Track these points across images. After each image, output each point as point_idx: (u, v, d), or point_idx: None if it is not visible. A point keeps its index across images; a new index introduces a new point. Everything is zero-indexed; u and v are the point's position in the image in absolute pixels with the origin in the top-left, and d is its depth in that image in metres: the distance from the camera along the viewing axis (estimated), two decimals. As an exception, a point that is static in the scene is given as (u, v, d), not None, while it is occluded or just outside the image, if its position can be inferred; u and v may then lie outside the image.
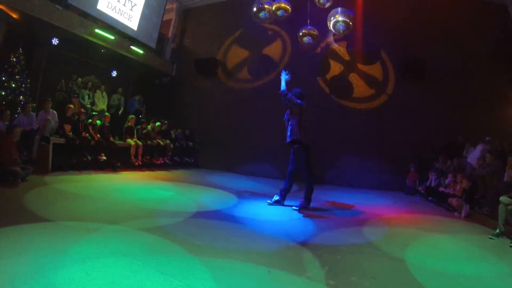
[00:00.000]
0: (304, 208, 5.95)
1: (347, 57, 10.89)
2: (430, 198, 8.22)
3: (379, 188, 9.69)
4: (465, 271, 3.46)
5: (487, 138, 8.07)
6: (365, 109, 10.49)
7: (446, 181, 7.74)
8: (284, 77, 6.33)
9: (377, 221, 5.63)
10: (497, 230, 4.95)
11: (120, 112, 11.47)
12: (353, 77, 10.74)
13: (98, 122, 9.03)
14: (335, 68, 10.97)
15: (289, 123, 6.15)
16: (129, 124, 9.81)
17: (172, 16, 13.53)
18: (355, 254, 3.75)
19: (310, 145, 6.22)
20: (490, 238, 4.87)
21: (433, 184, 8.35)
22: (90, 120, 8.90)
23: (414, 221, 5.84)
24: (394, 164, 9.71)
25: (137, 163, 9.39)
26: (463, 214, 6.47)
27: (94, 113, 9.73)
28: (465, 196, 6.71)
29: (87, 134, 8.37)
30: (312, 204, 6.27)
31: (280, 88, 6.28)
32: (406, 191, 9.31)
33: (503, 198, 5.11)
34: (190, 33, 13.78)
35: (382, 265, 3.45)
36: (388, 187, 9.67)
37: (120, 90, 11.86)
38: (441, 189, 7.77)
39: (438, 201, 7.74)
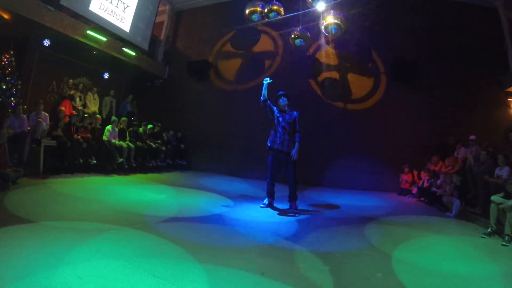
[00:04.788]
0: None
1: (339, 59, 10.94)
2: (422, 198, 8.29)
3: (371, 189, 9.72)
4: (458, 270, 3.49)
5: (471, 137, 8.16)
6: (357, 110, 10.53)
7: (438, 182, 7.80)
8: (265, 85, 6.26)
9: (369, 221, 5.65)
10: (489, 229, 5.01)
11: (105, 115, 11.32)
12: (345, 79, 10.79)
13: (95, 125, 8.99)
14: (327, 69, 11.01)
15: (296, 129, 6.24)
16: (121, 126, 9.74)
17: (164, 18, 13.47)
18: (347, 255, 3.76)
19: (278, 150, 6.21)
20: (482, 237, 4.93)
21: (425, 184, 8.41)
22: (81, 123, 8.83)
23: (406, 222, 5.87)
24: (387, 165, 9.76)
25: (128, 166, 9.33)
26: (454, 211, 6.53)
27: (85, 115, 9.64)
28: (456, 192, 6.77)
29: (79, 137, 8.29)
30: (304, 206, 6.36)
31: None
32: (399, 192, 9.36)
33: (494, 198, 5.18)
34: (182, 35, 13.75)
35: (374, 266, 3.47)
36: (380, 188, 9.71)
37: (112, 92, 11.78)
38: (433, 189, 7.83)
39: (431, 201, 7.80)
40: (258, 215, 5.61)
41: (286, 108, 6.29)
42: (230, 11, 12.19)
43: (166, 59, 13.45)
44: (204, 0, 13.20)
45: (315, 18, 8.40)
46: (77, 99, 10.31)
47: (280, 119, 6.18)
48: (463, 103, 9.62)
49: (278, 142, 6.14)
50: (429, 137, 9.63)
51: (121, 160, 9.00)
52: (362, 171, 10.05)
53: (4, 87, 7.98)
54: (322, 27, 8.22)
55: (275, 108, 6.28)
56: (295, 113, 6.28)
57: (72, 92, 10.28)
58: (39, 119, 7.88)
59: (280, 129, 6.16)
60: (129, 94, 12.50)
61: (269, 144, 6.24)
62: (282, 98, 6.30)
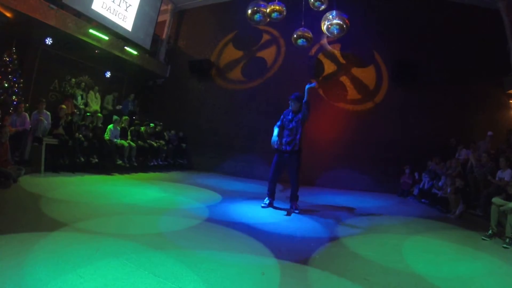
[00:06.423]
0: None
1: (341, 59, 10.93)
2: (423, 200, 8.27)
3: (372, 190, 9.71)
4: (459, 272, 3.48)
5: (489, 133, 8.13)
6: (358, 111, 10.53)
7: (440, 183, 7.78)
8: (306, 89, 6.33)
9: (370, 222, 5.65)
10: (490, 231, 5.00)
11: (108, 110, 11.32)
12: (347, 79, 10.78)
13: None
14: (329, 70, 11.01)
15: (299, 131, 6.20)
16: (123, 125, 9.73)
17: (166, 17, 13.49)
18: (347, 256, 3.75)
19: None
20: (483, 239, 4.92)
21: (426, 186, 8.39)
22: (83, 122, 8.84)
23: (407, 223, 5.87)
24: (388, 166, 9.75)
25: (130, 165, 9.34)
26: (457, 212, 6.52)
27: (87, 114, 9.65)
28: (460, 195, 6.75)
29: (80, 135, 8.30)
30: (305, 206, 6.36)
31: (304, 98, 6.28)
32: (399, 193, 9.34)
33: (495, 200, 5.17)
34: (184, 35, 13.75)
35: (374, 267, 3.46)
36: (381, 189, 9.71)
37: (115, 94, 11.80)
38: (434, 190, 7.81)
39: (431, 203, 7.78)
40: (259, 215, 5.60)
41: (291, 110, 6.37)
42: (232, 10, 12.20)
43: (168, 58, 13.46)
44: (206, -1, 13.23)
45: (318, 18, 8.39)
46: (79, 98, 10.32)
47: (289, 119, 6.26)
48: (465, 104, 9.60)
49: (284, 142, 6.19)
50: (431, 138, 9.62)
51: (120, 162, 9.00)
52: (363, 172, 10.04)
53: (6, 85, 7.99)
54: (324, 28, 8.21)
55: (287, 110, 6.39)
56: (299, 115, 6.27)
57: (74, 90, 10.29)
58: (41, 118, 7.88)
59: (287, 130, 6.22)
60: (130, 93, 12.50)
61: (273, 141, 6.29)
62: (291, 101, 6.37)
